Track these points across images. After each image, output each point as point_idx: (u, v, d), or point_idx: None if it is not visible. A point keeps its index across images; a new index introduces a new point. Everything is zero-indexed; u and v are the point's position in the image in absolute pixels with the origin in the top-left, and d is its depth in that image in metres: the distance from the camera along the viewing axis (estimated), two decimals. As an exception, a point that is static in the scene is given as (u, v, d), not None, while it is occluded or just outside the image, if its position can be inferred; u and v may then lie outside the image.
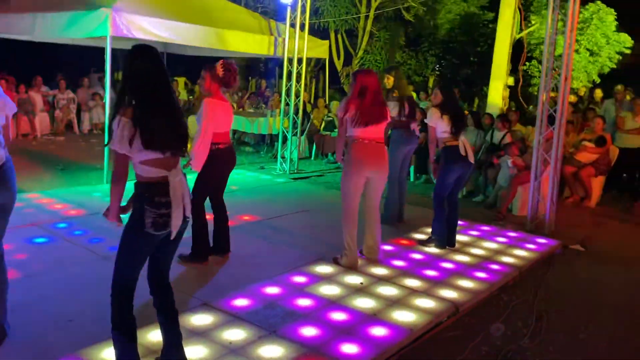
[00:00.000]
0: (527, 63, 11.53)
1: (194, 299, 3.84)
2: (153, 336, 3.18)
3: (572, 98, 8.44)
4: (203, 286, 4.14)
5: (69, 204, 6.16)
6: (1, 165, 2.96)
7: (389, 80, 5.82)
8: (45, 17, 7.61)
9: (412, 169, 8.88)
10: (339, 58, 14.42)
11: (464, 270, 4.75)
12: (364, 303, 3.94)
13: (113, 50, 7.31)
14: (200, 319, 3.51)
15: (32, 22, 7.77)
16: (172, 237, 2.70)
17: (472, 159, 5.19)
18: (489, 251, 5.34)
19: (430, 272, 4.65)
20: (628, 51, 12.25)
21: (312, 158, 10.84)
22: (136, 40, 8.61)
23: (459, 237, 5.59)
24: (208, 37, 8.28)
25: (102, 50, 7.32)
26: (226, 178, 4.71)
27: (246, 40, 8.87)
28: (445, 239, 5.29)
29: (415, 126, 5.93)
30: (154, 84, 2.60)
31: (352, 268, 4.60)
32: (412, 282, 4.39)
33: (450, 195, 5.30)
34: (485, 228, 6.16)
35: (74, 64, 14.34)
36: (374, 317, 3.72)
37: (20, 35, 8.85)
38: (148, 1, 7.91)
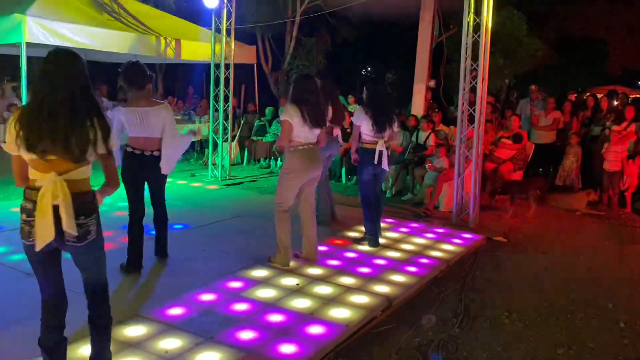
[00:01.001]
0: (447, 65, 12.03)
1: (127, 309, 3.74)
2: (85, 351, 3.08)
3: (490, 98, 8.91)
4: (136, 296, 4.05)
5: (-14, 221, 5.81)
6: None
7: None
8: (-48, 23, 7.14)
9: (343, 170, 9.04)
10: (267, 63, 14.45)
11: (395, 266, 4.91)
12: (300, 303, 3.99)
13: (29, 58, 6.96)
14: (133, 330, 3.43)
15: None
16: (36, 249, 2.43)
17: (385, 166, 5.37)
18: (419, 246, 5.55)
19: (364, 269, 4.77)
20: (539, 53, 13.07)
21: (244, 164, 10.79)
22: (53, 47, 8.27)
23: (390, 235, 5.79)
24: (131, 43, 8.08)
25: (14, 57, 6.98)
26: (146, 182, 4.54)
27: (171, 46, 8.72)
28: (377, 237, 5.45)
29: (338, 132, 6.05)
30: (48, 87, 2.42)
31: (285, 266, 4.66)
32: (347, 280, 4.48)
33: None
34: (414, 225, 6.38)
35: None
36: (311, 316, 3.78)
37: None
38: (66, 6, 7.61)
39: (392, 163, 7.15)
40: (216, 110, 9.06)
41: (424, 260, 5.09)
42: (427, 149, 8.30)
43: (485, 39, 6.25)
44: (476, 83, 6.38)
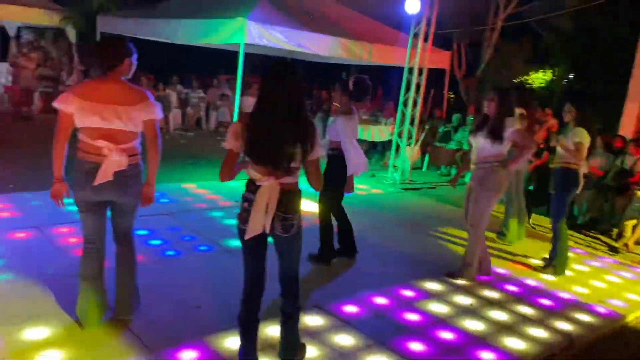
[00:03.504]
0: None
1: (307, 300, 4.01)
2: (272, 330, 3.40)
3: None
4: (315, 289, 4.30)
5: (198, 197, 6.65)
6: (125, 170, 3.09)
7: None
8: (187, 23, 8.30)
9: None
10: (460, 69, 14.15)
11: (581, 303, 4.52)
12: (473, 325, 3.90)
13: (245, 54, 7.76)
14: (312, 320, 3.69)
15: (176, 28, 8.52)
16: (245, 237, 2.73)
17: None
18: (611, 285, 5.03)
19: (545, 301, 4.48)
20: None
21: (424, 169, 10.75)
22: (266, 48, 9.13)
23: (579, 267, 5.36)
24: (332, 47, 8.54)
25: (230, 53, 7.81)
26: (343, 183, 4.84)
27: (369, 50, 9.03)
28: (564, 266, 5.07)
29: None
30: (265, 98, 2.68)
31: (470, 281, 4.65)
32: (525, 309, 4.26)
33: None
34: (609, 260, 5.79)
35: (205, 65, 15.37)
36: (483, 341, 3.68)
37: (164, 38, 9.69)
38: (279, 10, 8.33)
39: (589, 187, 6.54)
40: (403, 114, 9.17)
41: (615, 302, 4.61)
42: (634, 175, 7.41)
43: None
44: None
